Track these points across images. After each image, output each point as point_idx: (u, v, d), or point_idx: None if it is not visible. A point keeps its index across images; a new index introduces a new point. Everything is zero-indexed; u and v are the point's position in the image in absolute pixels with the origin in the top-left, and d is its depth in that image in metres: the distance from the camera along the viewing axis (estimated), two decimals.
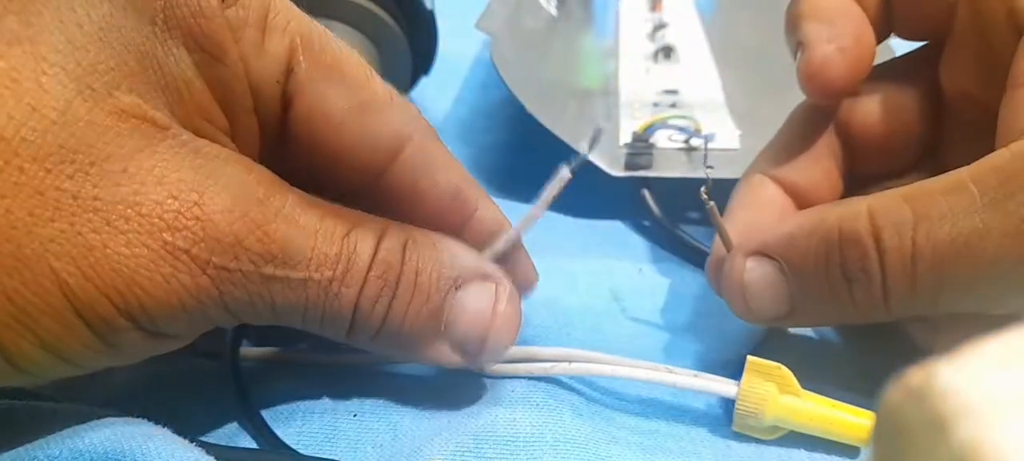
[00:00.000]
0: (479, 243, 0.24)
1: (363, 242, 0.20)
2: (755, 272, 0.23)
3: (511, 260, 0.24)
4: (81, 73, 0.18)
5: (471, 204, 0.24)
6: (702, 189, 0.24)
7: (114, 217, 0.17)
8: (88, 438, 0.19)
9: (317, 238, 0.20)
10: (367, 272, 0.20)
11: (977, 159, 0.20)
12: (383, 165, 0.22)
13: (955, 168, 0.21)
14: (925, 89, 0.25)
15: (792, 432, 0.23)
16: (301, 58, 0.21)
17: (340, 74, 0.22)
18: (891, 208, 0.20)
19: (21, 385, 0.20)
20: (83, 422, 0.20)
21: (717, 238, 0.25)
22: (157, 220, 0.18)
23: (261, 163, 0.20)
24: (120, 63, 0.18)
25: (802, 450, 0.23)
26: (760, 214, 0.25)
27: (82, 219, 0.17)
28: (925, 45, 0.26)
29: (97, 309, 0.18)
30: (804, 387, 0.23)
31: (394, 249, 0.21)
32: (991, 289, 0.20)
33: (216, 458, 0.20)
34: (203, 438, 0.23)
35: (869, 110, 0.26)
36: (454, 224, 0.23)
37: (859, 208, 0.21)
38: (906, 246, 0.20)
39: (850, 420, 0.22)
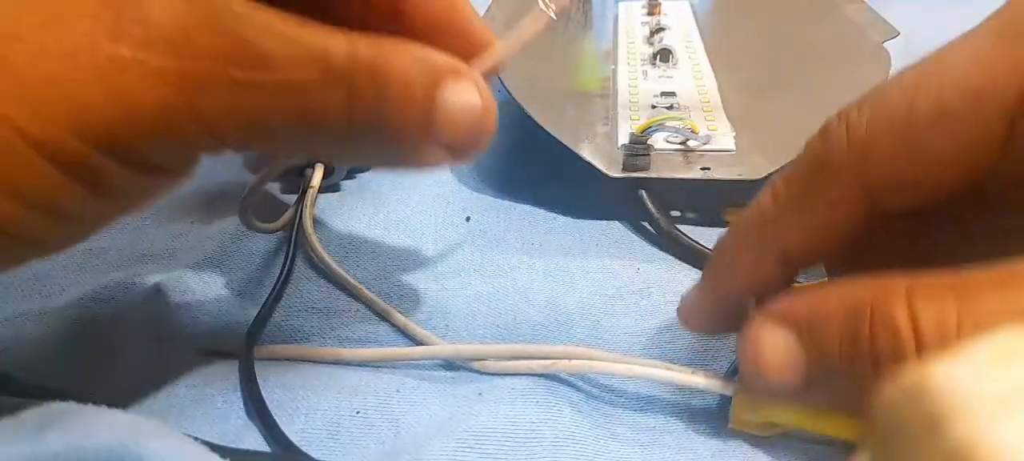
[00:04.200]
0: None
1: (335, 44, 0.19)
2: (772, 338, 0.20)
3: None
4: None
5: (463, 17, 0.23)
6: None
7: (47, 41, 0.16)
8: (93, 435, 0.19)
9: (284, 40, 0.18)
10: (351, 73, 0.19)
11: None
12: None
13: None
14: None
15: (788, 430, 0.23)
16: None
17: None
18: (933, 296, 0.17)
19: (27, 258, 0.19)
20: (89, 419, 0.20)
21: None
22: (93, 34, 0.16)
23: None
24: None
25: (798, 447, 0.23)
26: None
27: (14, 51, 0.16)
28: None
29: (59, 144, 0.16)
30: None
31: (372, 52, 0.19)
32: None
33: (222, 457, 0.21)
34: (210, 437, 0.23)
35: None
36: (447, 35, 0.23)
37: (897, 288, 0.18)
38: (948, 341, 0.17)
39: (845, 416, 0.22)
